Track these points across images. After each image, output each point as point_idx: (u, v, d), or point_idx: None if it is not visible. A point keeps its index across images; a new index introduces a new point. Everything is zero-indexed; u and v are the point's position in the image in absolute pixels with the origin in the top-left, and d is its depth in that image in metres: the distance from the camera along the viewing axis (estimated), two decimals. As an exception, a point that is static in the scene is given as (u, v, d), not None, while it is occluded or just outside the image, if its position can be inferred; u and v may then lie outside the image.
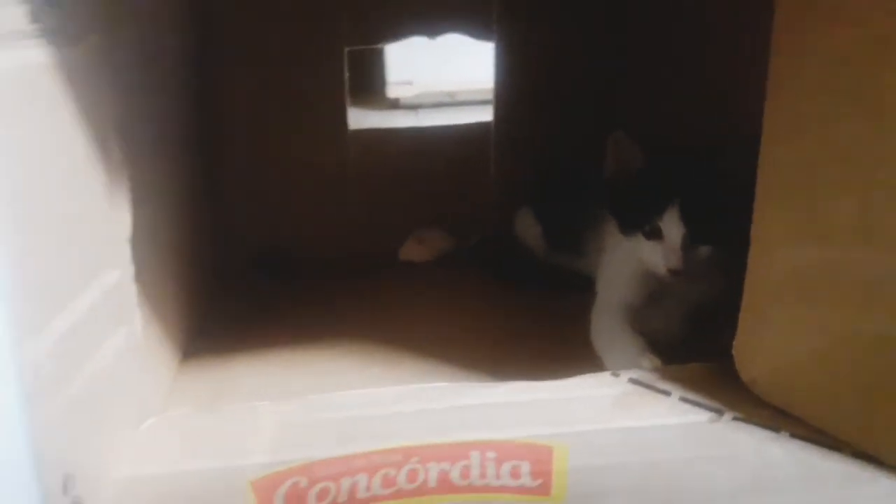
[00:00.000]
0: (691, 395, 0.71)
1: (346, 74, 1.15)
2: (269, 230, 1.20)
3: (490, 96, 1.21)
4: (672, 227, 0.83)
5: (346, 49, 1.15)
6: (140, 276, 0.73)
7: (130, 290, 0.68)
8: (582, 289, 0.99)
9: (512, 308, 1.05)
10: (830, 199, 0.63)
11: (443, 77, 2.14)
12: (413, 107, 2.21)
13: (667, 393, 0.71)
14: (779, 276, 0.68)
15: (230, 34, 1.11)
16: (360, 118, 2.08)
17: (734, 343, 0.72)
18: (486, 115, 1.23)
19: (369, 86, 2.21)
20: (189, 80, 1.03)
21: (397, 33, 1.18)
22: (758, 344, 0.71)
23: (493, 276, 1.14)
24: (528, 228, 1.15)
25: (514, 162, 1.23)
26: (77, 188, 0.59)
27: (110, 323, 0.63)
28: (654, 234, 0.85)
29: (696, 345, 0.86)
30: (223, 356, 0.92)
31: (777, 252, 0.68)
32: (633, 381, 0.73)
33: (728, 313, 0.71)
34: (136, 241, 0.69)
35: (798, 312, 0.67)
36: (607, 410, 0.69)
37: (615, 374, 0.74)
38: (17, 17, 0.49)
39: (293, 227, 1.20)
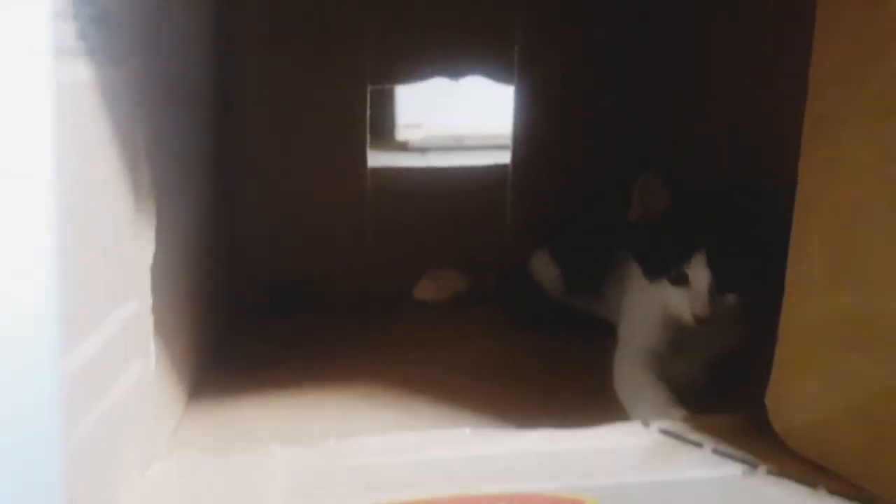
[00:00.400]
0: (724, 447, 0.68)
1: (368, 112, 1.14)
2: (285, 266, 1.18)
3: (499, 142, 1.20)
4: (699, 273, 0.81)
5: (370, 87, 1.14)
6: (154, 308, 0.71)
7: (147, 322, 0.65)
8: (600, 332, 0.97)
9: (529, 351, 1.02)
10: (872, 244, 0.60)
11: (452, 121, 2.15)
12: (421, 149, 2.21)
13: (699, 444, 0.68)
14: (815, 324, 0.66)
15: (254, 68, 1.10)
16: (371, 158, 2.10)
17: (767, 393, 0.69)
18: (495, 159, 1.23)
19: (378, 127, 2.20)
20: (212, 113, 1.01)
21: (420, 73, 1.17)
22: (792, 394, 0.68)
23: (509, 317, 1.11)
24: (545, 270, 1.13)
25: (531, 204, 1.21)
26: (107, 210, 0.56)
27: (125, 357, 0.60)
28: (681, 281, 0.83)
29: (719, 391, 0.84)
30: (232, 396, 0.89)
31: (814, 298, 0.66)
32: (664, 432, 0.70)
33: (753, 359, 0.69)
34: (155, 271, 0.67)
35: (836, 362, 0.64)
36: (639, 462, 0.66)
37: (645, 424, 0.71)
38: (66, 34, 0.47)
39: (308, 263, 1.18)
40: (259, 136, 1.13)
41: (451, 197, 1.20)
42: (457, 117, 2.13)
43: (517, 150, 1.19)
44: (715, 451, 0.67)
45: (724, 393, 0.84)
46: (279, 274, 1.17)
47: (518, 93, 1.17)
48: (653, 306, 0.88)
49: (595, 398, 0.85)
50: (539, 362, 0.99)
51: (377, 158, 2.10)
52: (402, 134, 2.18)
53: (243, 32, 1.09)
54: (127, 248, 0.60)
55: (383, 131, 2.20)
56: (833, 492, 0.61)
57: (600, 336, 0.96)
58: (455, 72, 1.16)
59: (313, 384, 0.91)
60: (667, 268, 0.84)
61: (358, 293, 1.17)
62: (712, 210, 0.84)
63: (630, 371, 0.86)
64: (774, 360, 0.68)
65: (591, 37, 1.16)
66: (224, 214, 1.10)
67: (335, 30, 1.11)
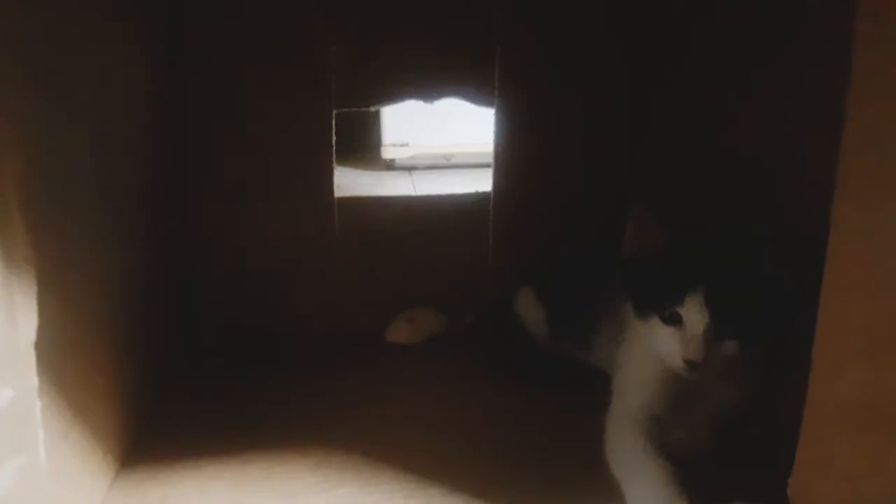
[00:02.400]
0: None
1: (334, 138, 1.00)
2: (239, 306, 1.04)
3: (488, 160, 1.06)
4: (694, 314, 0.69)
5: (335, 111, 1.00)
6: (55, 383, 0.57)
7: (30, 409, 0.51)
8: (591, 382, 0.84)
9: (512, 405, 0.89)
10: None
11: (439, 139, 2.04)
12: (408, 168, 2.09)
13: None
14: (849, 403, 0.54)
15: (211, 94, 0.97)
16: (353, 179, 1.97)
17: (791, 482, 0.56)
18: (483, 178, 1.09)
19: (364, 146, 2.09)
20: (153, 146, 0.88)
21: (391, 96, 1.03)
22: (821, 484, 0.56)
23: (489, 365, 0.97)
24: (529, 311, 0.99)
25: (514, 236, 1.07)
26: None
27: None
28: (674, 320, 0.71)
29: (726, 463, 0.71)
30: (169, 466, 0.75)
31: (846, 377, 0.54)
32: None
33: (766, 427, 0.57)
34: (48, 342, 0.53)
35: (872, 448, 0.53)
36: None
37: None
38: None
39: (269, 303, 1.05)
40: (217, 167, 0.99)
41: (427, 228, 1.06)
42: (444, 136, 2.03)
43: (499, 178, 1.06)
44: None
45: (733, 466, 0.71)
46: (237, 316, 1.03)
47: (499, 116, 1.03)
48: (650, 358, 0.75)
49: (585, 471, 0.73)
50: (521, 424, 0.85)
51: (360, 179, 2.01)
52: (388, 153, 2.08)
53: (199, 57, 0.96)
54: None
55: (369, 150, 2.09)
56: None
57: (591, 387, 0.83)
58: (430, 94, 1.02)
59: (263, 451, 0.77)
60: (660, 305, 0.71)
61: (326, 335, 1.03)
62: (714, 247, 0.72)
63: (627, 444, 0.73)
64: (799, 443, 0.56)
65: (573, 59, 1.03)
66: (174, 257, 0.96)
67: (299, 52, 0.97)
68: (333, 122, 1.00)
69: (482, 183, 1.09)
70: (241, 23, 0.95)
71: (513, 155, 1.05)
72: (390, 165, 2.10)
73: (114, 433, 0.73)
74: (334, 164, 1.01)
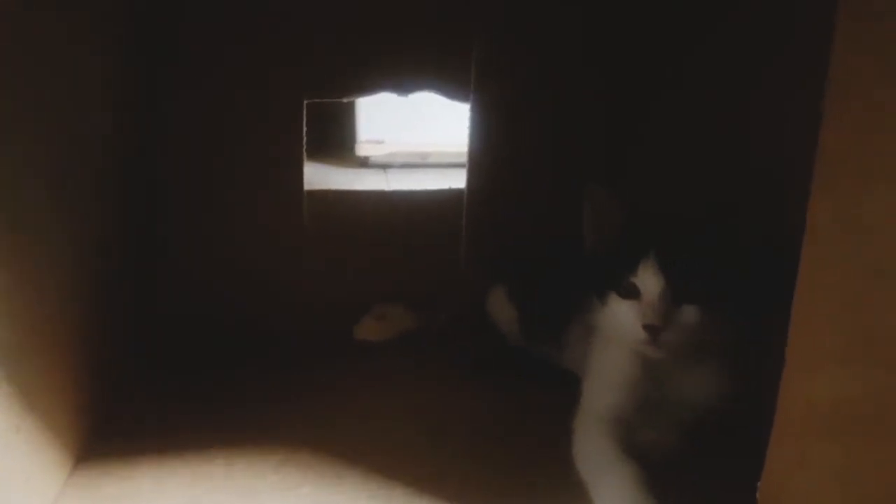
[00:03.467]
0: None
1: (304, 128, 0.98)
2: (204, 299, 1.01)
3: (465, 160, 1.04)
4: (648, 279, 0.68)
5: (306, 101, 0.98)
6: (5, 374, 0.55)
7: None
8: (561, 382, 0.83)
9: (481, 405, 0.87)
10: (891, 319, 0.48)
11: (416, 137, 2.02)
12: (383, 166, 2.07)
13: None
14: (822, 406, 0.53)
15: (177, 78, 0.94)
16: (325, 176, 1.94)
17: (759, 488, 0.55)
18: (460, 179, 1.07)
19: (338, 143, 2.06)
20: (115, 136, 0.85)
21: (364, 87, 1.01)
22: (792, 490, 0.55)
23: (460, 364, 0.96)
24: (501, 311, 0.98)
25: (487, 233, 1.06)
26: None
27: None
28: (631, 293, 0.70)
29: (699, 466, 0.70)
30: (125, 462, 0.73)
31: (819, 378, 0.53)
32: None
33: (739, 427, 0.59)
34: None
35: (848, 453, 0.52)
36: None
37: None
38: None
39: (234, 298, 1.02)
40: (180, 159, 0.96)
41: (398, 223, 1.05)
42: (421, 134, 2.01)
43: (473, 173, 1.04)
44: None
45: (706, 469, 0.70)
46: (203, 310, 1.00)
47: (474, 112, 1.02)
48: (619, 361, 0.74)
49: (553, 473, 0.72)
50: (490, 424, 0.83)
51: (333, 176, 1.98)
52: (362, 150, 2.05)
53: (167, 45, 0.93)
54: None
55: (343, 147, 2.06)
56: None
57: (563, 388, 0.82)
58: (404, 87, 1.00)
59: (222, 450, 0.75)
60: (616, 281, 0.70)
61: (293, 331, 1.00)
62: (673, 218, 0.72)
63: (594, 445, 0.72)
64: (769, 449, 0.55)
65: (551, 56, 1.02)
66: (133, 247, 0.93)
67: (269, 38, 0.94)
68: (304, 111, 0.97)
69: (457, 181, 1.08)
70: (210, 8, 0.93)
71: (487, 152, 1.03)
72: (365, 163, 2.07)
73: (69, 428, 0.70)
74: (304, 156, 0.99)
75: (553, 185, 1.06)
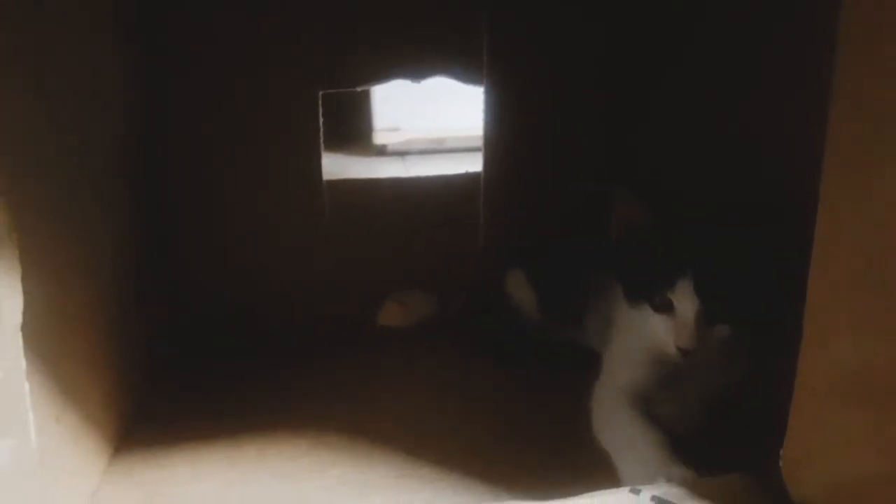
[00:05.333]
0: (729, 519, 0.55)
1: (321, 120, 1.00)
2: (231, 292, 1.03)
3: (481, 143, 1.05)
4: (685, 301, 0.69)
5: (321, 92, 0.99)
6: (45, 367, 0.57)
7: (19, 393, 0.51)
8: (582, 362, 0.84)
9: (503, 388, 0.89)
10: None
11: (431, 123, 2.03)
12: (401, 153, 2.08)
13: None
14: (841, 375, 0.54)
15: (192, 73, 0.95)
16: (344, 166, 1.96)
17: (782, 453, 0.57)
18: (477, 163, 1.08)
19: (355, 132, 2.08)
20: (136, 132, 0.87)
21: (378, 76, 1.03)
22: (813, 455, 0.57)
23: (481, 346, 0.97)
24: (520, 292, 0.99)
25: (505, 217, 1.07)
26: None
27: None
28: (665, 308, 0.71)
29: (722, 437, 0.71)
30: (163, 449, 0.75)
31: (837, 346, 0.54)
32: (658, 500, 0.57)
33: (764, 398, 0.60)
34: (37, 325, 0.53)
35: (865, 420, 0.53)
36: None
37: (635, 491, 0.58)
38: None
39: (257, 288, 1.04)
40: (200, 151, 0.98)
41: (417, 210, 1.06)
42: (437, 120, 2.02)
43: (489, 158, 1.05)
44: (719, 525, 0.55)
45: (729, 440, 0.72)
46: (226, 301, 1.03)
47: (488, 95, 1.03)
48: (639, 336, 0.75)
49: (576, 449, 0.73)
50: (512, 404, 0.85)
51: (351, 165, 2.00)
52: (379, 138, 2.07)
53: (184, 43, 0.94)
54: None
55: (360, 136, 2.08)
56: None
57: (581, 366, 0.83)
58: (418, 73, 1.02)
59: (255, 435, 0.78)
60: (650, 292, 0.71)
61: (316, 319, 1.03)
62: (703, 231, 0.72)
63: (614, 415, 0.73)
64: (790, 415, 0.56)
65: (562, 38, 1.02)
66: (161, 240, 0.96)
67: (282, 31, 0.96)
68: (320, 103, 0.99)
69: (474, 166, 1.09)
70: (225, 4, 0.94)
71: (502, 135, 1.04)
72: (382, 151, 2.09)
73: (107, 418, 0.73)
74: (322, 147, 1.01)
75: (569, 166, 1.07)
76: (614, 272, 0.79)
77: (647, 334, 0.73)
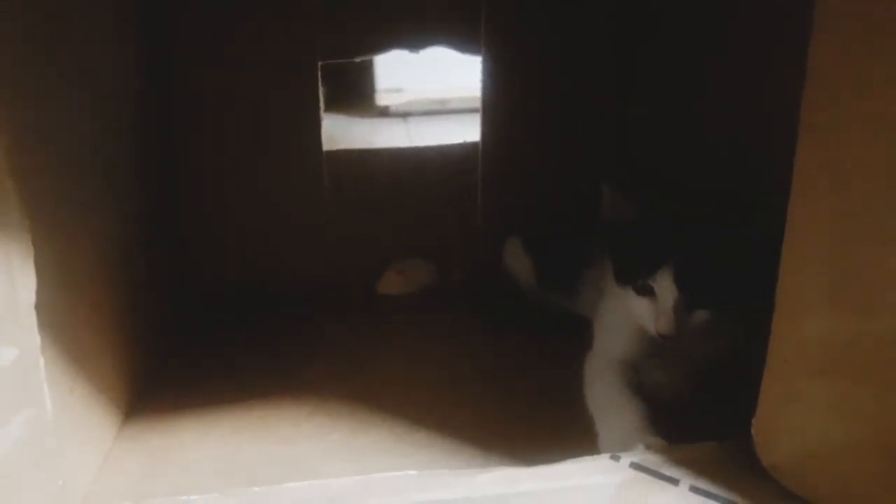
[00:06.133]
0: (703, 484, 0.60)
1: (321, 91, 1.02)
2: (233, 261, 1.07)
3: (482, 104, 1.08)
4: (665, 288, 0.73)
5: (321, 63, 1.01)
6: (59, 341, 0.61)
7: (35, 367, 0.55)
8: (576, 329, 0.87)
9: (499, 354, 0.93)
10: (875, 263, 0.52)
11: (434, 85, 2.04)
12: (403, 115, 2.10)
13: (674, 481, 0.60)
14: (809, 347, 0.57)
15: (192, 45, 0.98)
16: (346, 127, 1.98)
17: (753, 423, 0.60)
18: (478, 125, 1.10)
19: (358, 93, 2.09)
20: (134, 102, 0.90)
21: (377, 46, 1.05)
22: (782, 424, 0.60)
23: (479, 313, 1.01)
24: (517, 261, 1.02)
25: (502, 186, 1.10)
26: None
27: (1, 413, 0.51)
28: (647, 292, 0.74)
29: (707, 407, 0.75)
30: (171, 415, 0.80)
31: (807, 319, 0.57)
32: (636, 467, 0.61)
33: (749, 370, 0.61)
34: (50, 302, 0.57)
35: (833, 390, 0.57)
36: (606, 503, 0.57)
37: (615, 458, 0.62)
38: None
39: (260, 258, 1.08)
40: (201, 125, 1.01)
41: (417, 179, 1.09)
42: (439, 81, 2.02)
43: (487, 126, 1.07)
44: (693, 489, 0.59)
45: (712, 410, 0.75)
46: (229, 270, 1.07)
47: (485, 65, 1.04)
48: (626, 314, 0.78)
49: (568, 414, 0.76)
50: (508, 370, 0.89)
51: (354, 126, 2.02)
52: (382, 99, 2.08)
53: (176, 15, 0.97)
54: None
55: (363, 97, 2.09)
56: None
57: (576, 334, 0.86)
58: (415, 43, 1.04)
59: (259, 401, 0.82)
60: (634, 277, 0.75)
61: (317, 287, 1.06)
62: (683, 221, 0.75)
63: (603, 383, 0.77)
64: (762, 386, 0.59)
65: (560, 6, 1.04)
66: (165, 213, 0.99)
67: (281, 3, 0.98)
68: (319, 74, 1.01)
69: (476, 127, 1.11)
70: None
71: (500, 105, 1.06)
72: (385, 112, 2.10)
73: (118, 386, 0.77)
74: (322, 117, 1.03)
75: (565, 136, 1.09)
76: (605, 250, 0.82)
77: (631, 315, 0.77)
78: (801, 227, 0.55)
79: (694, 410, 0.74)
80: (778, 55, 0.77)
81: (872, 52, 0.49)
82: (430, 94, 2.08)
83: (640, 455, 0.62)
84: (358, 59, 1.08)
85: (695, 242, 0.71)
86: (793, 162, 0.55)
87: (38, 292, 0.55)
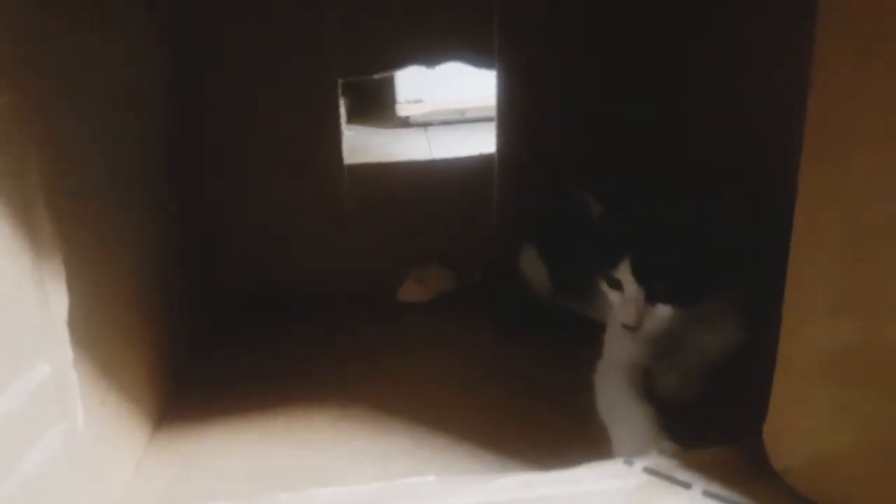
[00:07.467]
0: (715, 488, 0.59)
1: (341, 108, 1.03)
2: (258, 271, 1.09)
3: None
4: (625, 281, 0.74)
5: (340, 81, 1.03)
6: (90, 355, 0.62)
7: (68, 382, 0.56)
8: (592, 334, 0.87)
9: (517, 360, 0.92)
10: (882, 268, 0.51)
11: (453, 95, 2.04)
12: (423, 124, 2.11)
13: (687, 485, 0.59)
14: (818, 352, 0.57)
15: (216, 64, 1.00)
16: (368, 138, 2.00)
17: (764, 427, 0.59)
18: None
19: (379, 105, 2.11)
20: (164, 124, 0.91)
21: (395, 63, 1.06)
22: (793, 428, 0.59)
23: (496, 319, 1.01)
24: (532, 269, 1.02)
25: (517, 196, 1.10)
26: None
27: (37, 428, 0.52)
28: (616, 286, 0.76)
29: (720, 404, 0.74)
30: (200, 422, 0.81)
31: (816, 325, 0.57)
32: (649, 471, 0.61)
33: (758, 368, 0.60)
34: (81, 317, 0.58)
35: (842, 395, 0.56)
36: (620, 510, 0.57)
37: (628, 463, 0.61)
38: None
39: (285, 269, 1.09)
40: (225, 141, 1.03)
41: (435, 190, 1.09)
42: (458, 91, 2.03)
43: (503, 137, 1.08)
44: (706, 493, 0.59)
45: (724, 408, 0.74)
46: (255, 281, 1.08)
47: (500, 78, 1.05)
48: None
49: (584, 419, 0.76)
50: (525, 376, 0.89)
51: (376, 137, 2.03)
52: (402, 110, 2.09)
53: (201, 35, 0.98)
54: (25, 308, 0.51)
55: (384, 108, 2.11)
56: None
57: (591, 339, 0.86)
58: (432, 60, 1.04)
59: (285, 408, 0.82)
60: (603, 272, 0.77)
61: (340, 296, 1.07)
62: (654, 213, 0.75)
63: (614, 390, 0.76)
64: (772, 390, 0.58)
65: (573, 18, 1.03)
66: (192, 226, 1.00)
67: (299, 23, 0.99)
68: (339, 91, 1.02)
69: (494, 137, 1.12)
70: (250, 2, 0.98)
71: (515, 117, 1.07)
72: (405, 123, 2.11)
73: (147, 396, 0.79)
74: (342, 132, 1.04)
75: (579, 147, 1.09)
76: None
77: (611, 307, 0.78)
78: (807, 233, 0.55)
79: (705, 413, 0.74)
80: (762, 48, 0.77)
81: (879, 57, 0.48)
82: (449, 104, 2.08)
83: (653, 459, 0.61)
84: (376, 76, 1.09)
85: (656, 238, 0.72)
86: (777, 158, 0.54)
87: (70, 309, 0.57)
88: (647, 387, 0.76)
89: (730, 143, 0.88)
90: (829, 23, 0.51)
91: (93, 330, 0.63)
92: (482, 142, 1.14)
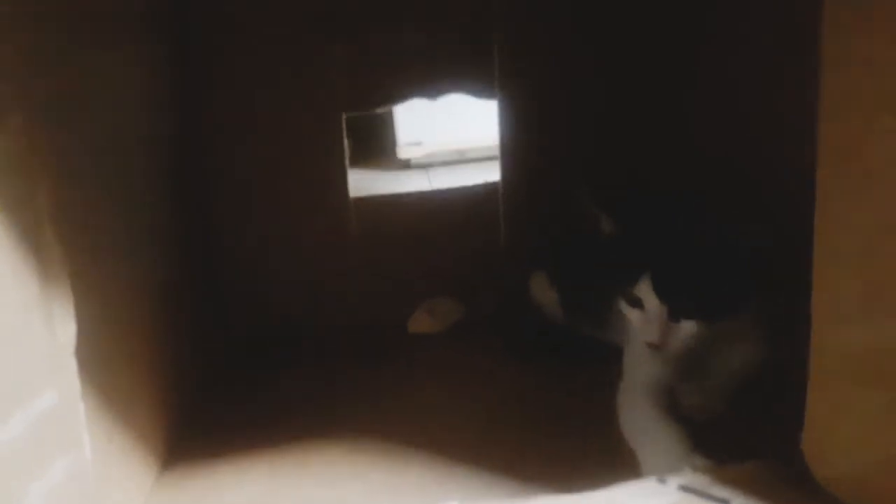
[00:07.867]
0: (754, 502, 0.55)
1: (346, 141, 1.02)
2: (267, 305, 1.06)
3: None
4: (647, 298, 0.71)
5: (344, 115, 1.02)
6: (97, 389, 0.59)
7: (75, 411, 0.53)
8: (607, 359, 0.84)
9: (532, 387, 0.89)
10: None
11: (452, 136, 2.05)
12: (424, 166, 2.11)
13: (725, 501, 0.57)
14: (852, 357, 0.55)
15: (223, 102, 0.99)
16: (372, 181, 1.99)
17: (803, 437, 0.57)
18: (497, 171, 1.09)
19: (380, 148, 2.11)
20: (170, 153, 0.90)
21: (397, 97, 1.05)
22: (833, 436, 0.57)
23: (509, 347, 0.98)
24: (543, 294, 1.00)
25: (524, 223, 1.08)
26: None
27: (41, 458, 0.49)
28: (637, 304, 0.72)
29: (746, 422, 0.72)
30: (209, 460, 0.78)
31: (845, 329, 0.55)
32: (684, 489, 0.58)
33: (783, 382, 0.60)
34: (89, 350, 0.56)
35: (880, 400, 0.53)
36: (656, 530, 0.53)
37: (661, 481, 0.58)
38: None
39: (294, 303, 1.07)
40: (232, 174, 1.02)
41: (440, 221, 1.08)
42: (457, 132, 2.04)
43: (506, 167, 1.07)
44: (744, 510, 0.55)
45: (747, 423, 0.71)
46: (264, 316, 1.06)
47: (501, 108, 1.04)
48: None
49: (606, 445, 0.73)
50: (542, 404, 0.85)
51: (378, 179, 2.03)
52: (403, 153, 2.09)
53: (208, 72, 0.98)
54: (33, 335, 0.49)
55: (385, 152, 2.11)
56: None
57: (606, 363, 0.83)
58: (434, 92, 1.03)
59: (296, 443, 0.79)
60: (623, 289, 0.73)
61: (350, 329, 1.05)
62: (674, 228, 0.72)
63: (638, 411, 0.73)
64: (808, 398, 0.56)
65: (572, 48, 1.03)
66: (200, 261, 0.99)
67: (303, 60, 0.99)
68: (344, 125, 1.02)
69: (495, 175, 1.10)
70: (247, 35, 0.98)
71: (518, 144, 1.05)
72: (407, 165, 2.11)
73: (156, 433, 0.76)
74: (348, 165, 1.03)
75: (584, 168, 1.07)
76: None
77: (632, 325, 0.74)
78: (829, 233, 0.53)
79: (729, 429, 0.71)
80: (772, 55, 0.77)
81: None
82: (448, 145, 2.09)
83: (687, 477, 0.58)
84: (379, 111, 1.08)
85: (677, 252, 0.70)
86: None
87: (78, 339, 0.54)
88: (671, 405, 0.73)
89: (740, 160, 0.87)
90: (838, 12, 0.50)
91: (101, 364, 0.61)
92: (481, 180, 1.12)
